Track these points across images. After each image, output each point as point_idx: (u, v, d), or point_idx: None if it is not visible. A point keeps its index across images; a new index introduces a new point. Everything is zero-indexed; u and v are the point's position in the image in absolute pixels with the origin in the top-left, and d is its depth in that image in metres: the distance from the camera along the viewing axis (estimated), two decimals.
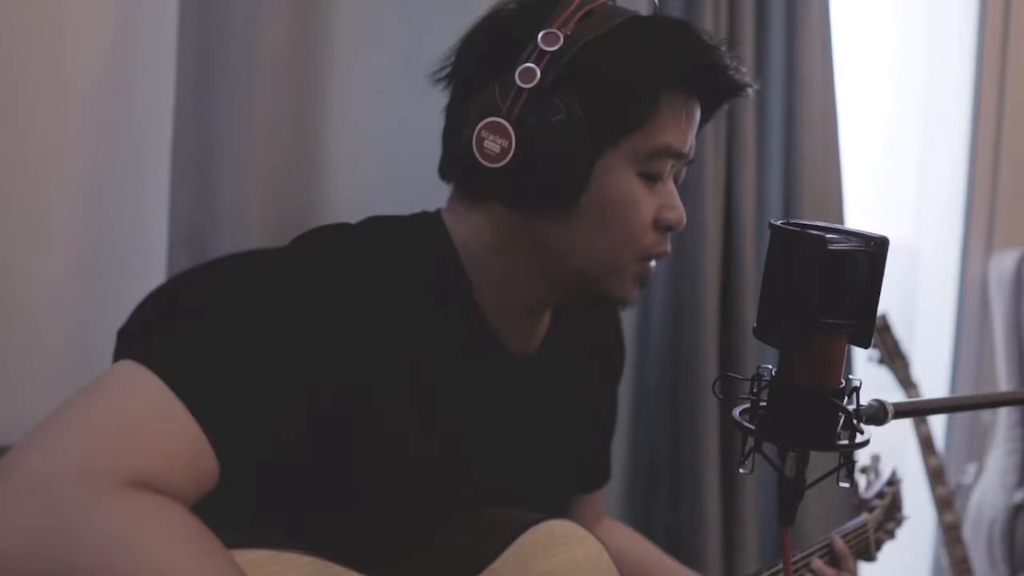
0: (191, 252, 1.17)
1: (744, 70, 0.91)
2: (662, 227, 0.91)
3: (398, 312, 0.84)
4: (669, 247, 0.93)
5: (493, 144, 0.84)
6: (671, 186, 0.93)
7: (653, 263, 0.94)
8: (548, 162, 0.84)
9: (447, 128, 0.93)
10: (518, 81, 0.83)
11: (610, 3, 0.89)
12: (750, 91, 0.92)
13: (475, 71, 0.89)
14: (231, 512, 0.72)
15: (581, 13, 0.85)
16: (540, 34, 0.83)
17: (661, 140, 0.88)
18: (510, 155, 0.83)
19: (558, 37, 0.83)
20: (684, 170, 0.96)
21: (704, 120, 0.95)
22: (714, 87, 0.91)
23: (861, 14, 2.10)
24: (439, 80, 0.92)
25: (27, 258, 1.18)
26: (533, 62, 0.83)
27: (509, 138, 0.83)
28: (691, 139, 0.92)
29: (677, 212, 0.92)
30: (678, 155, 0.90)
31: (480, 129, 0.84)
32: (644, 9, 0.94)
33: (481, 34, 0.91)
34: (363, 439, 0.81)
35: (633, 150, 0.87)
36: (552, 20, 0.85)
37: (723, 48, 0.89)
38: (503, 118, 0.83)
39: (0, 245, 1.16)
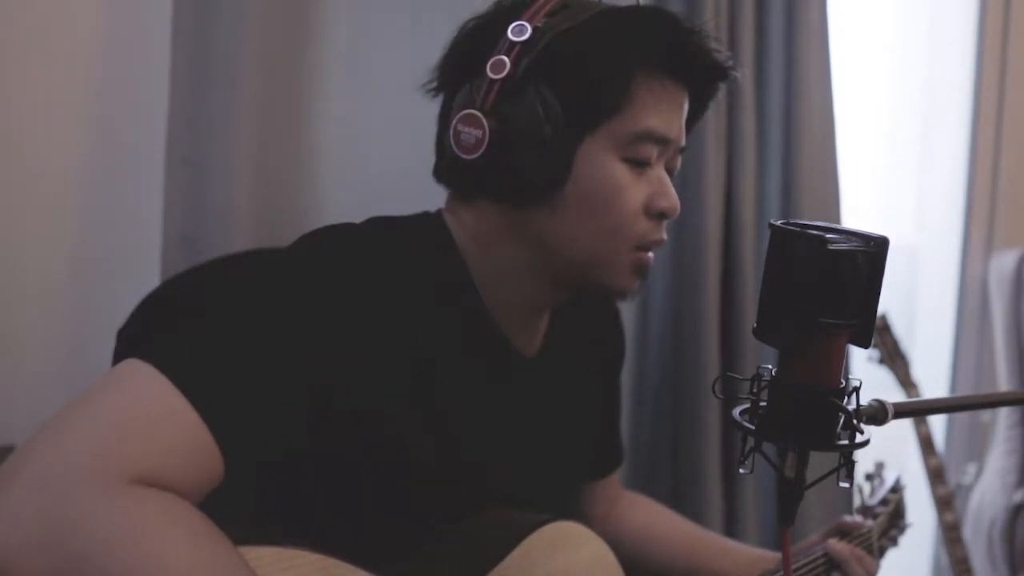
0: (185, 253, 1.17)
1: (722, 51, 0.91)
2: (654, 214, 0.91)
3: (402, 312, 0.84)
4: (665, 236, 0.93)
5: (468, 136, 0.85)
6: (662, 173, 0.92)
7: (651, 254, 0.93)
8: (524, 150, 0.84)
9: (438, 134, 0.94)
10: (489, 73, 0.84)
11: (591, 1, 0.89)
12: (734, 74, 0.92)
13: (456, 74, 0.90)
14: (236, 510, 0.73)
15: (550, 6, 0.86)
16: (509, 27, 0.85)
17: (641, 124, 0.88)
18: (484, 144, 0.84)
19: (526, 28, 0.84)
20: (679, 160, 0.95)
21: (697, 110, 0.95)
22: (691, 69, 0.90)
23: (861, 14, 2.10)
24: (430, 91, 0.94)
25: (22, 259, 1.17)
26: (504, 54, 0.84)
27: (482, 128, 0.84)
28: (676, 124, 0.91)
29: (669, 199, 0.91)
30: (662, 140, 0.89)
31: (456, 123, 0.85)
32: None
33: (461, 39, 0.92)
34: (367, 439, 0.81)
35: (613, 135, 0.87)
36: (522, 14, 0.86)
37: (699, 30, 0.89)
38: (476, 109, 0.84)
39: None
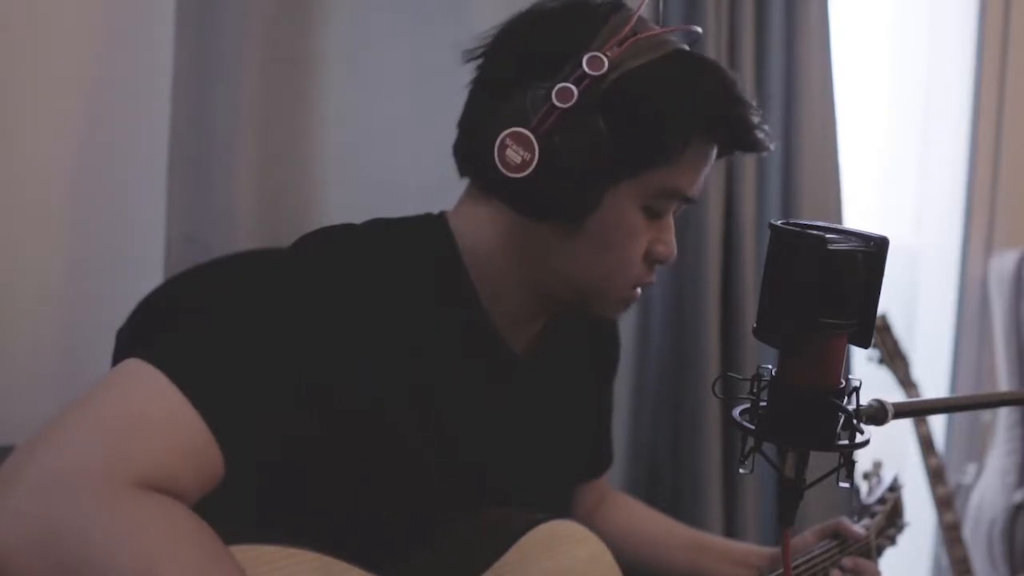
0: (189, 252, 1.17)
1: (764, 128, 0.91)
2: (650, 260, 0.92)
3: (402, 313, 0.84)
4: (654, 279, 0.94)
5: (515, 154, 0.83)
6: (669, 221, 0.93)
7: (639, 289, 0.94)
8: (563, 180, 0.83)
9: (470, 118, 0.91)
10: (554, 99, 0.82)
11: (659, 35, 0.87)
12: (767, 151, 0.93)
13: (510, 72, 0.87)
14: (235, 509, 0.73)
15: (619, 36, 0.84)
16: (585, 57, 0.82)
17: (675, 182, 0.88)
18: (531, 167, 0.82)
19: (603, 62, 0.82)
20: (682, 208, 0.95)
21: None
22: (737, 142, 0.91)
23: (861, 14, 2.10)
24: (471, 60, 0.90)
25: (25, 258, 1.17)
26: (573, 82, 0.82)
27: (533, 152, 0.82)
28: (701, 184, 0.92)
29: (668, 247, 0.92)
30: (686, 199, 0.91)
31: (505, 136, 0.83)
32: (647, 9, 0.92)
33: (523, 34, 0.89)
34: (366, 439, 0.81)
35: (648, 185, 0.87)
36: (599, 42, 0.83)
37: (750, 104, 0.89)
38: (531, 131, 0.82)
39: None
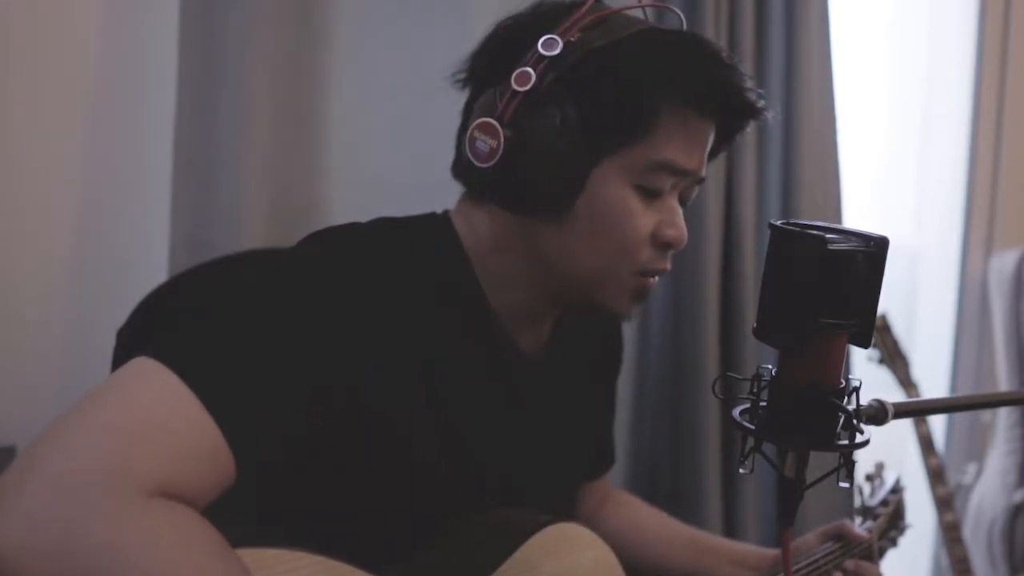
0: (192, 253, 1.17)
1: (757, 90, 0.89)
2: (660, 243, 0.90)
3: (409, 312, 0.84)
4: (668, 265, 0.92)
5: (483, 144, 0.84)
6: (674, 203, 0.91)
7: (654, 279, 0.92)
8: (537, 165, 0.84)
9: (459, 130, 0.93)
10: (513, 84, 0.83)
11: (623, 13, 0.88)
12: (765, 114, 0.90)
13: (484, 73, 0.89)
14: (239, 511, 0.72)
15: (588, 20, 0.85)
16: (540, 39, 0.84)
17: (661, 154, 0.87)
18: (499, 155, 0.83)
19: (557, 42, 0.83)
20: (695, 191, 0.94)
21: (721, 143, 0.94)
22: (723, 105, 0.89)
23: (861, 14, 2.10)
24: (458, 82, 0.92)
25: (28, 259, 1.18)
26: (531, 66, 0.83)
27: (498, 138, 0.83)
28: (698, 157, 0.90)
29: (677, 229, 0.90)
30: (681, 172, 0.89)
31: (473, 129, 0.85)
32: (671, 21, 0.92)
33: (494, 37, 0.91)
34: (373, 439, 0.81)
35: (631, 162, 0.86)
36: (557, 26, 0.85)
37: (735, 67, 0.87)
38: (495, 119, 0.84)
39: (1, 246, 1.16)
